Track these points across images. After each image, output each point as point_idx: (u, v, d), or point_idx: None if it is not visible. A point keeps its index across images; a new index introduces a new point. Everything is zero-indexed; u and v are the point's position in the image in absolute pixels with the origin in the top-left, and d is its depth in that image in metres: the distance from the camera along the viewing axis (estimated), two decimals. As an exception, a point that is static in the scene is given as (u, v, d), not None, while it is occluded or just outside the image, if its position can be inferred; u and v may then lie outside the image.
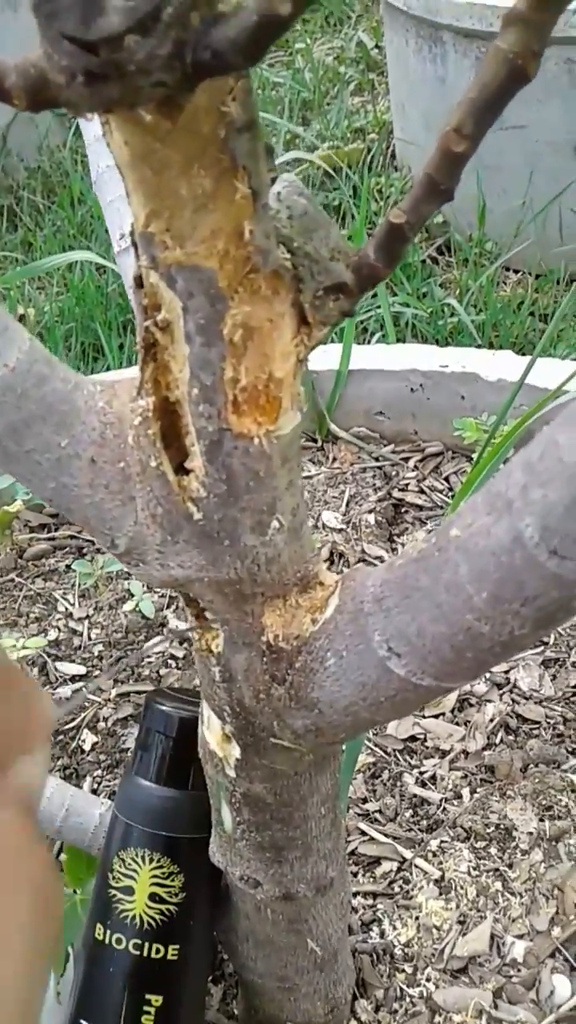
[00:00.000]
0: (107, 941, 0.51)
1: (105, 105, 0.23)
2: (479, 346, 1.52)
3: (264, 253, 0.29)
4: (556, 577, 0.28)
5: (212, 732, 0.45)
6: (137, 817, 0.52)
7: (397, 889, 0.70)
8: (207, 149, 0.26)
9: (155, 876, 0.51)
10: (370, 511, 0.99)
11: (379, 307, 1.63)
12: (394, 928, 0.67)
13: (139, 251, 0.30)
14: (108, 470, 0.34)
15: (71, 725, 0.82)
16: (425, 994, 0.63)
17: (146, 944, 0.51)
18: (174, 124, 0.24)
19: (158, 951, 0.51)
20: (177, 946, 0.52)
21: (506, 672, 0.84)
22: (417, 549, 0.33)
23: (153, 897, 0.51)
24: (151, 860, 0.51)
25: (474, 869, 0.70)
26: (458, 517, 0.31)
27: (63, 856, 0.62)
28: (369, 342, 1.50)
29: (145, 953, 0.51)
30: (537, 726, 0.79)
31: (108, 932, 0.51)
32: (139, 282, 0.31)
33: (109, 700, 0.84)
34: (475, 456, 0.97)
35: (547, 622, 0.30)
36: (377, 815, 0.74)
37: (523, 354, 1.61)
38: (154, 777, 0.52)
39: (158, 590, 0.94)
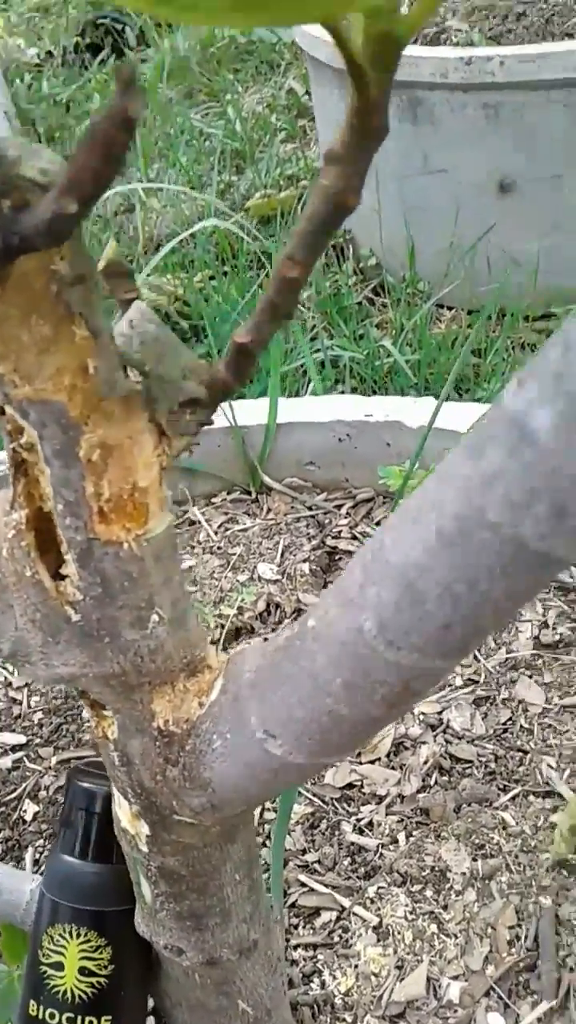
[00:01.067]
0: (40, 1017, 0.52)
1: None
2: (414, 384, 1.57)
3: (110, 383, 0.31)
4: (396, 665, 0.30)
5: (123, 811, 0.47)
6: (63, 893, 0.53)
7: (336, 938, 0.71)
8: (41, 302, 0.28)
9: (83, 950, 0.52)
10: (304, 560, 1.01)
11: (316, 351, 1.67)
12: (334, 978, 0.69)
13: (-2, 383, 0.32)
14: (-13, 580, 0.36)
15: (12, 796, 0.83)
16: (365, 1043, 0.65)
17: (79, 1018, 0.52)
18: (4, 287, 0.27)
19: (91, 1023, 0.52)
20: (109, 1017, 0.53)
21: (439, 713, 0.86)
22: (284, 636, 0.35)
23: (83, 971, 0.52)
24: (78, 935, 0.52)
25: (410, 913, 0.71)
26: (314, 608, 0.33)
27: None
28: (308, 385, 1.54)
29: None
30: (470, 765, 0.81)
31: (41, 1008, 0.52)
32: (1, 410, 0.33)
33: (50, 768, 0.85)
34: (394, 503, 1.00)
35: (398, 703, 0.32)
36: (316, 865, 0.76)
37: (459, 390, 1.66)
38: (78, 853, 0.53)
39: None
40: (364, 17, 0.28)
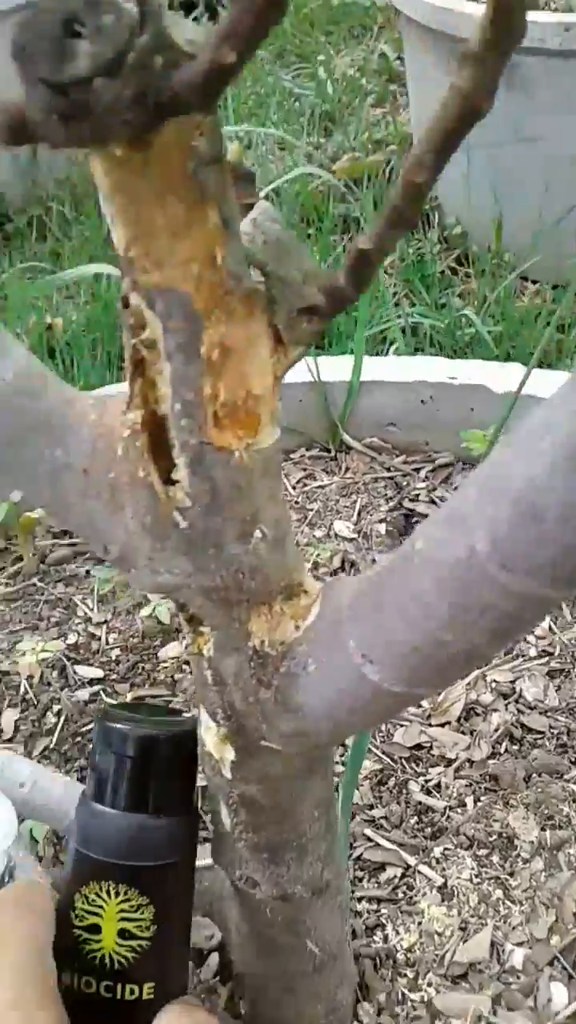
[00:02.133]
0: (75, 986, 0.45)
1: (78, 142, 0.24)
2: (495, 357, 1.53)
3: (236, 277, 0.30)
4: (506, 589, 0.29)
5: (209, 735, 0.47)
6: (97, 848, 0.46)
7: (401, 895, 0.70)
8: (177, 181, 0.27)
9: (123, 910, 0.46)
10: (381, 521, 1.00)
11: (398, 317, 1.65)
12: (397, 933, 0.68)
13: (123, 274, 0.31)
14: (100, 480, 0.36)
15: (90, 727, 0.84)
16: (426, 999, 0.64)
17: (118, 985, 0.46)
18: (144, 158, 0.26)
19: (132, 991, 0.46)
20: (152, 983, 0.46)
21: (512, 682, 0.84)
22: (388, 560, 0.34)
23: (122, 934, 0.46)
24: (117, 894, 0.46)
25: (476, 877, 0.70)
26: (423, 530, 0.32)
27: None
28: (387, 352, 1.52)
29: (118, 995, 0.45)
30: (541, 736, 0.80)
31: (75, 977, 0.45)
32: (125, 303, 0.32)
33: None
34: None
35: (504, 633, 0.31)
36: (383, 821, 0.75)
37: (541, 365, 1.61)
38: (112, 802, 0.46)
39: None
40: None
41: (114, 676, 0.88)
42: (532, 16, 1.60)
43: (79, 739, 0.83)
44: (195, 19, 2.88)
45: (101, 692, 0.86)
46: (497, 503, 0.28)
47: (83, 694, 0.86)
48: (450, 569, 0.30)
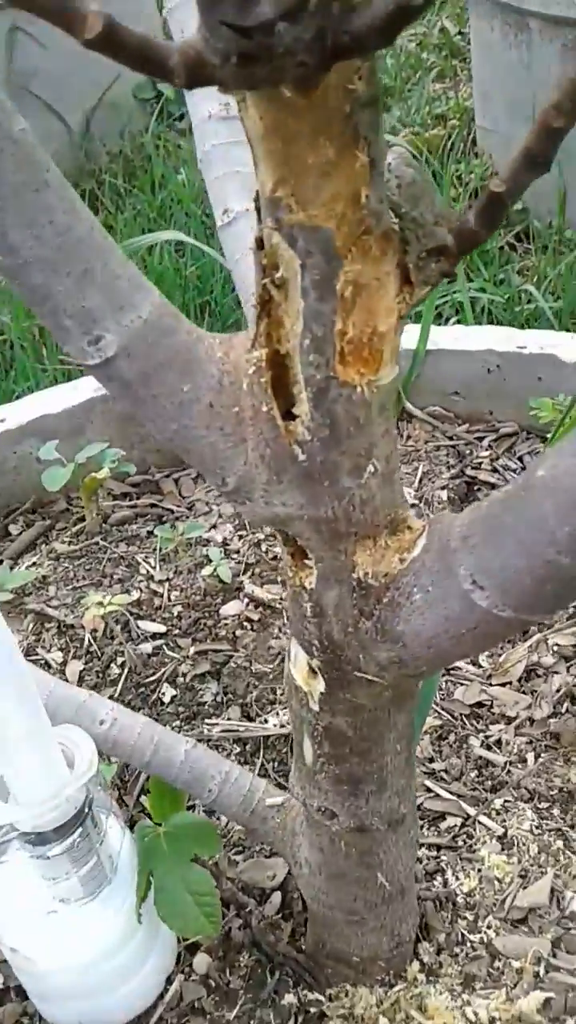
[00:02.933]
0: None
1: (253, 83, 0.27)
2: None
3: (377, 216, 0.32)
4: (633, 513, 0.31)
5: (298, 668, 0.49)
6: None
7: (461, 843, 0.73)
8: (333, 122, 0.29)
9: None
10: (443, 488, 1.01)
11: (457, 292, 1.65)
12: (457, 879, 0.70)
13: (263, 215, 0.33)
14: (224, 414, 0.38)
15: (153, 679, 0.87)
16: (486, 940, 0.66)
17: None
18: (308, 100, 0.28)
19: None
20: None
21: (574, 646, 0.86)
22: (503, 492, 0.36)
23: None
24: None
25: (536, 828, 0.72)
26: (545, 459, 0.34)
27: (148, 793, 0.66)
28: (444, 323, 1.52)
29: None
30: (603, 698, 0.81)
31: None
32: (260, 244, 0.34)
33: (187, 657, 0.88)
34: (550, 437, 0.99)
35: (623, 557, 0.33)
36: (443, 774, 0.77)
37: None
38: None
39: (235, 556, 0.99)
40: None
41: (176, 632, 0.91)
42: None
43: (142, 690, 0.86)
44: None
45: (163, 646, 0.89)
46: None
47: (146, 648, 0.89)
48: (574, 494, 0.32)
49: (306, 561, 0.43)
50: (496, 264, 1.76)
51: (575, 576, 0.34)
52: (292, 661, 0.50)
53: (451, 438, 1.07)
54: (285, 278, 0.34)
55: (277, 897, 0.71)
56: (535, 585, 0.35)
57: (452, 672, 0.85)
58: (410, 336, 1.06)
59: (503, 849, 0.71)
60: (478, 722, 0.81)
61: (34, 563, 1.01)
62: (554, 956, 0.65)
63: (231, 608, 0.94)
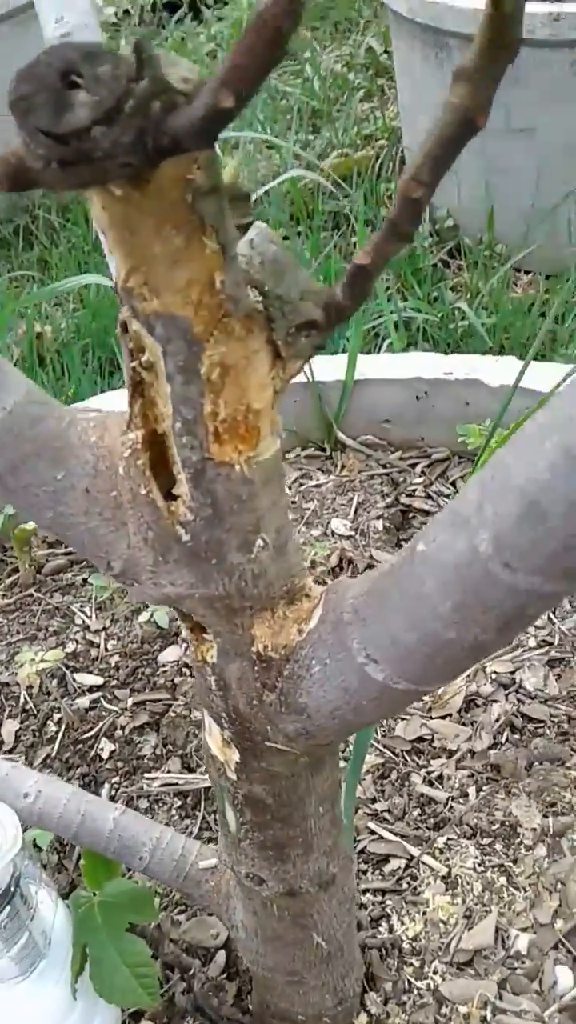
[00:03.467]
0: None
1: (78, 185, 0.26)
2: (489, 349, 1.54)
3: (235, 300, 0.32)
4: (510, 587, 0.30)
5: (213, 738, 0.48)
6: None
7: (405, 885, 0.72)
8: (176, 212, 0.28)
9: None
10: (378, 517, 1.01)
11: (391, 312, 1.65)
12: (402, 923, 0.69)
13: (122, 302, 0.32)
14: (102, 499, 0.37)
15: (90, 734, 0.85)
16: (432, 986, 0.66)
17: None
18: (143, 194, 0.27)
19: None
20: None
21: (512, 673, 0.86)
22: (389, 563, 0.36)
23: None
24: None
25: (479, 865, 0.72)
26: (424, 533, 0.33)
27: (82, 861, 0.64)
28: (380, 347, 1.53)
29: None
30: (542, 725, 0.81)
31: None
32: (124, 328, 0.33)
33: (126, 709, 0.87)
34: (474, 462, 0.99)
35: (507, 628, 0.32)
36: (386, 814, 0.77)
37: (536, 357, 1.62)
38: None
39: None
40: None
41: (114, 682, 0.89)
42: (518, 8, 1.60)
43: (80, 746, 0.84)
44: (179, 20, 2.88)
45: (101, 699, 0.88)
46: (499, 504, 0.30)
47: (83, 702, 0.88)
48: (453, 570, 0.32)
49: (205, 636, 0.42)
50: (430, 282, 1.77)
51: (463, 649, 0.33)
52: (207, 731, 0.49)
53: (384, 466, 1.07)
54: (151, 361, 0.33)
55: (222, 956, 0.70)
56: (425, 659, 0.35)
57: (392, 707, 0.84)
58: (338, 367, 1.05)
59: (447, 889, 0.71)
60: (420, 758, 0.80)
61: (-34, 618, 0.99)
62: (500, 999, 0.64)
63: (169, 654, 0.92)
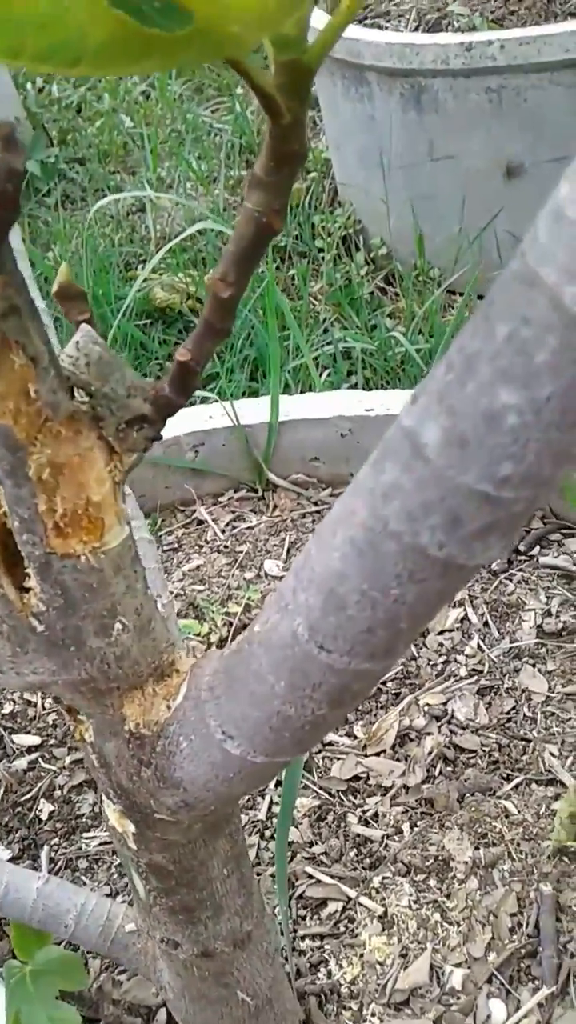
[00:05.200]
0: None
1: None
2: (424, 374, 1.56)
3: (53, 405, 0.33)
4: (329, 667, 0.31)
5: (110, 810, 0.49)
6: None
7: (343, 928, 0.72)
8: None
9: None
10: (311, 555, 1.02)
11: (327, 344, 1.68)
12: (340, 967, 0.70)
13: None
14: (-43, 594, 0.38)
15: (28, 796, 0.85)
16: (370, 1029, 0.66)
17: None
18: None
19: None
20: None
21: (444, 704, 0.87)
22: (236, 641, 0.37)
23: None
24: None
25: (414, 902, 0.72)
26: (261, 613, 0.35)
27: (11, 931, 0.64)
28: (321, 375, 1.55)
29: None
30: (474, 755, 0.82)
31: None
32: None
33: (64, 768, 0.87)
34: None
35: (339, 704, 0.33)
36: (323, 857, 0.77)
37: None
38: None
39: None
40: (273, 48, 0.29)
41: (52, 741, 0.89)
42: (434, 38, 1.65)
43: (19, 809, 0.84)
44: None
45: (39, 759, 0.88)
46: (308, 591, 0.31)
47: (21, 763, 0.88)
48: (281, 651, 0.33)
49: (80, 716, 0.43)
50: (366, 311, 1.80)
51: (305, 724, 0.35)
52: (106, 803, 0.50)
53: (316, 503, 1.08)
54: (-12, 463, 0.34)
55: (163, 1014, 0.70)
56: (273, 734, 0.35)
57: (328, 747, 0.85)
58: (263, 409, 1.07)
59: (383, 929, 0.71)
60: (355, 797, 0.81)
61: None
62: (435, 1038, 0.64)
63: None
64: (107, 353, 0.35)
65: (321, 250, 1.95)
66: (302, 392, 1.42)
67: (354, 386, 1.58)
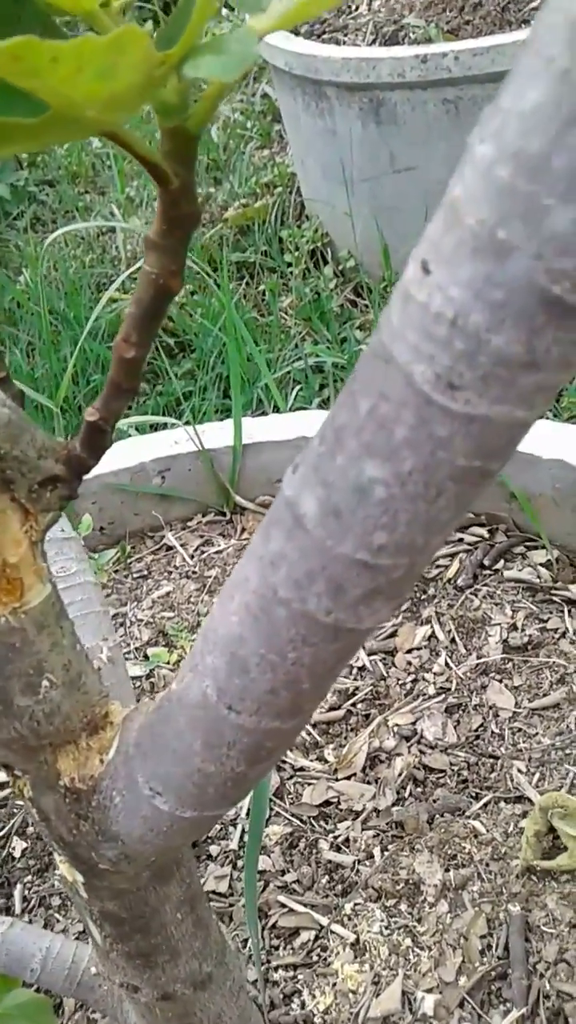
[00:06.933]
0: None
1: None
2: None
3: (-43, 474, 0.33)
4: (240, 727, 0.31)
5: (59, 860, 0.49)
6: None
7: (316, 957, 0.72)
8: None
9: None
10: (279, 577, 1.02)
11: (297, 360, 1.68)
12: (313, 997, 0.70)
13: None
14: None
15: (2, 834, 0.85)
16: (343, 1060, 0.66)
17: None
18: None
19: None
20: None
21: (413, 723, 0.87)
22: (159, 698, 0.37)
23: None
24: None
25: (386, 928, 0.72)
26: (178, 672, 0.35)
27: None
28: (293, 390, 1.55)
29: None
30: (443, 774, 0.82)
31: None
32: None
33: (34, 802, 0.86)
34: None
35: (257, 761, 0.33)
36: (295, 885, 0.77)
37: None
38: None
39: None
40: (157, 114, 0.29)
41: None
42: (390, 52, 1.66)
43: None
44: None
45: (10, 796, 0.87)
46: (213, 653, 0.31)
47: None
48: (194, 710, 0.33)
49: (16, 772, 0.43)
50: (337, 323, 1.80)
51: (226, 780, 0.34)
52: (55, 853, 0.49)
53: (284, 524, 1.08)
54: None
55: (138, 1052, 0.69)
56: (197, 789, 0.35)
57: (299, 772, 0.85)
58: (226, 433, 1.07)
59: (356, 957, 0.71)
60: (327, 822, 0.81)
61: None
62: (408, 1066, 0.64)
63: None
64: (16, 415, 0.35)
65: (290, 264, 1.95)
66: (276, 409, 1.42)
67: (326, 400, 1.58)
